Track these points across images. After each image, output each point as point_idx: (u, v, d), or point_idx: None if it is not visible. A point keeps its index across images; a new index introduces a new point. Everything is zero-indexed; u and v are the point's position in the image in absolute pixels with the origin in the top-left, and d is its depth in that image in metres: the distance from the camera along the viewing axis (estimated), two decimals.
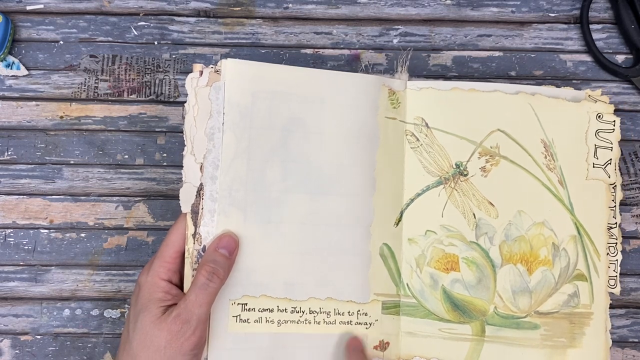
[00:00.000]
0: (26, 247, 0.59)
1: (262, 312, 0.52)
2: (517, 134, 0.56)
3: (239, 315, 0.52)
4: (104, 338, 0.59)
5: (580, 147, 0.57)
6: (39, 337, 0.59)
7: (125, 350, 0.48)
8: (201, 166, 0.52)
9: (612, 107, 0.57)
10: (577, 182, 0.56)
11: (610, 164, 0.57)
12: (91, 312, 0.59)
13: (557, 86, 0.58)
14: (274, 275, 0.53)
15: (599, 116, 0.57)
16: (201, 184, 0.52)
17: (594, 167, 0.57)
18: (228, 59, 0.52)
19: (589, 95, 0.57)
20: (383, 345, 0.55)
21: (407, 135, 0.56)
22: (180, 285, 0.51)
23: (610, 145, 0.57)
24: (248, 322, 0.52)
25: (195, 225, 0.51)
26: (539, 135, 0.57)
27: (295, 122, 0.53)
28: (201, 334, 0.48)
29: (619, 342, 0.58)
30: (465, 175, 0.56)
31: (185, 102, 0.52)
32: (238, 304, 0.52)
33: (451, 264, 0.55)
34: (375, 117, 0.55)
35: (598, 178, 0.57)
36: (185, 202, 0.51)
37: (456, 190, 0.56)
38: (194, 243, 0.51)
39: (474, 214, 0.56)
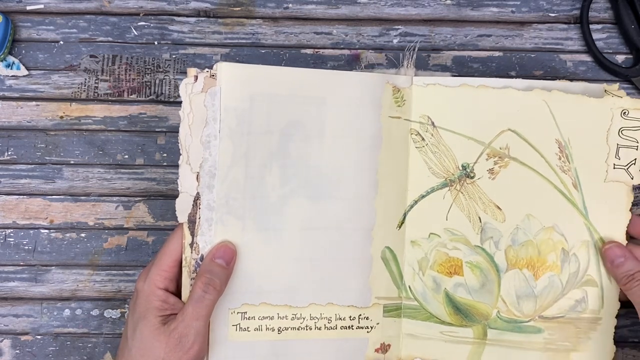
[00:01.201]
0: (26, 247, 0.57)
1: (262, 320, 0.50)
2: (529, 134, 0.52)
3: (239, 324, 0.49)
4: (104, 338, 0.57)
5: (599, 146, 0.52)
6: (39, 337, 0.57)
7: (124, 356, 0.46)
8: (197, 175, 0.49)
9: (639, 102, 0.52)
10: (594, 184, 0.52)
11: (634, 164, 0.52)
12: (91, 312, 0.57)
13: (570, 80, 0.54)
14: (274, 282, 0.50)
15: (624, 113, 0.52)
16: (198, 194, 0.49)
17: (614, 168, 0.52)
18: (224, 62, 0.49)
19: (605, 90, 0.52)
20: (384, 348, 0.52)
21: (412, 134, 0.53)
22: (177, 294, 0.48)
23: (636, 144, 0.52)
24: (248, 331, 0.49)
25: (193, 234, 0.49)
26: (553, 135, 0.52)
27: (295, 125, 0.50)
28: (200, 346, 0.46)
29: (619, 342, 0.56)
30: (472, 177, 0.52)
31: None
32: (238, 312, 0.49)
33: (454, 268, 0.52)
34: (379, 117, 0.51)
35: (619, 180, 0.52)
36: (182, 212, 0.49)
37: (462, 192, 0.52)
38: (192, 252, 0.48)
39: (479, 218, 0.52)
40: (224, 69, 0.49)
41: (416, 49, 0.57)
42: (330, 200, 0.51)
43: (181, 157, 0.49)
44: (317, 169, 0.51)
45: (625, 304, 0.53)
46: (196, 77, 0.49)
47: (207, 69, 0.49)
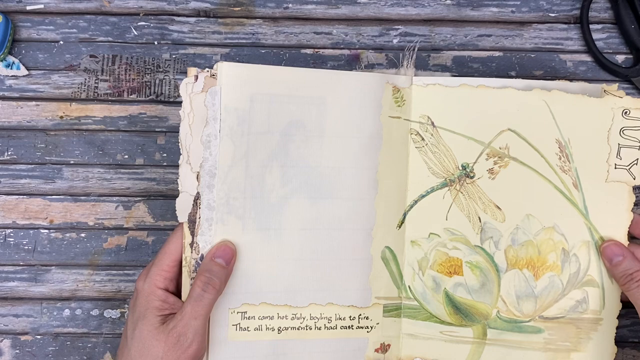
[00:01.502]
0: (26, 247, 0.57)
1: (262, 319, 0.49)
2: (529, 134, 0.52)
3: (239, 323, 0.49)
4: (104, 338, 0.57)
5: (600, 146, 0.51)
6: (39, 337, 0.57)
7: (123, 355, 0.46)
8: (197, 175, 0.49)
9: None
10: (595, 184, 0.52)
11: (636, 164, 0.51)
12: (91, 312, 0.57)
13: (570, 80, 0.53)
14: (274, 282, 0.50)
15: (626, 112, 0.51)
16: (198, 193, 0.49)
17: (615, 168, 0.51)
18: (224, 62, 0.49)
19: (604, 90, 0.52)
20: (384, 348, 0.52)
21: (412, 134, 0.53)
22: (177, 293, 0.48)
23: (638, 144, 0.51)
24: (248, 330, 0.49)
25: (193, 234, 0.48)
26: (553, 134, 0.52)
27: (295, 125, 0.50)
28: (198, 345, 0.46)
29: (619, 342, 0.56)
30: (472, 177, 0.52)
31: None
32: (237, 312, 0.49)
33: (454, 268, 0.52)
34: (379, 117, 0.51)
35: (620, 180, 0.51)
36: (182, 211, 0.48)
37: (461, 192, 0.52)
38: (192, 252, 0.48)
39: (479, 218, 0.52)
40: (224, 68, 0.49)
41: (416, 49, 0.56)
42: (330, 200, 0.51)
43: (181, 156, 0.49)
44: (317, 169, 0.50)
45: (626, 304, 0.53)
46: (197, 77, 0.49)
47: (207, 69, 0.49)
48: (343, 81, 0.51)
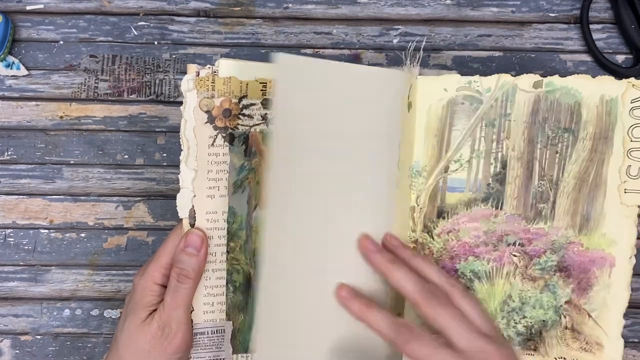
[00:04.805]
0: (26, 247, 0.57)
1: None
2: None
3: None
4: (104, 338, 0.57)
5: None
6: (39, 337, 0.56)
7: (112, 349, 0.46)
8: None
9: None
10: None
11: None
12: (91, 312, 0.57)
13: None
14: None
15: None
16: None
17: None
18: (224, 59, 0.47)
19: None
20: None
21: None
22: None
23: None
24: None
25: None
26: None
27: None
28: (183, 335, 0.45)
29: None
30: None
31: None
32: None
33: None
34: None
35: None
36: (183, 207, 0.47)
37: None
38: None
39: None
40: (224, 65, 0.48)
41: (421, 48, 0.56)
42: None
43: (182, 152, 0.48)
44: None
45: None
46: (198, 73, 0.48)
47: (208, 65, 0.48)
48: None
